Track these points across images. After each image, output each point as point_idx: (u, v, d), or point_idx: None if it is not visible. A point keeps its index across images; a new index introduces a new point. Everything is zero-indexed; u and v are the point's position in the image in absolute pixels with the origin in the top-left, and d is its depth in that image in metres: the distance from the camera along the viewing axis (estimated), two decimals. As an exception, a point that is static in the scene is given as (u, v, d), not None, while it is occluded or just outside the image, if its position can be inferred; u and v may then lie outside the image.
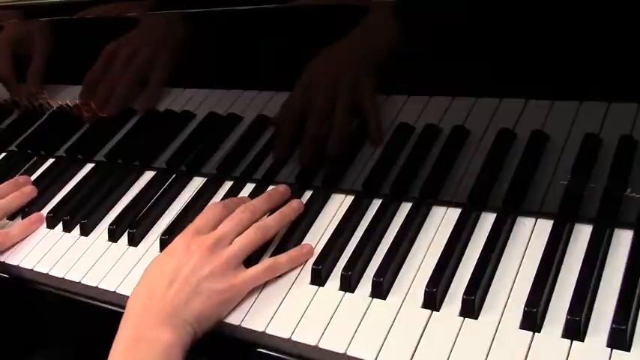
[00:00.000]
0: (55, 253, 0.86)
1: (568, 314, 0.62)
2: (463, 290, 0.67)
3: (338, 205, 0.83)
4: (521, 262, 0.70)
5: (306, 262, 0.75)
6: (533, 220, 0.74)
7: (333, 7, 0.74)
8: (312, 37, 0.77)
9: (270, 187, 0.86)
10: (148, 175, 0.97)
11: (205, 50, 0.86)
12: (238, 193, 0.89)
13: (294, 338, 0.67)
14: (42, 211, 0.94)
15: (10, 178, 0.99)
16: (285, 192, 0.84)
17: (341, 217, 0.80)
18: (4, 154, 1.11)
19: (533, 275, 0.67)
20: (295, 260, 0.75)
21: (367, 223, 0.78)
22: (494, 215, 0.75)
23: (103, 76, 0.93)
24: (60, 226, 0.91)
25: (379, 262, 0.72)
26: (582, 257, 0.68)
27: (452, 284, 0.69)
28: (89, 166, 1.03)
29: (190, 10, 0.83)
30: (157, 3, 0.85)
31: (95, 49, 0.92)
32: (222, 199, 0.88)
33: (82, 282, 0.81)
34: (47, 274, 0.84)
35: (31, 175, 1.04)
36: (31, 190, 0.97)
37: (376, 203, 0.81)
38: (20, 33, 0.97)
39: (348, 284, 0.71)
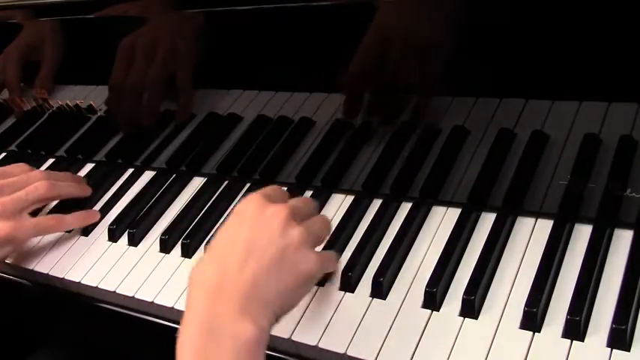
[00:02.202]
0: (55, 253, 0.86)
1: (568, 314, 0.62)
2: (463, 290, 0.67)
3: (338, 205, 0.83)
4: (521, 262, 0.70)
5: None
6: (533, 220, 0.74)
7: (333, 7, 0.74)
8: (312, 37, 0.77)
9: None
10: (148, 175, 0.97)
11: (205, 50, 0.86)
12: (238, 193, 0.89)
13: (294, 338, 0.67)
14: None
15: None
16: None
17: (341, 217, 0.80)
18: (4, 154, 1.12)
19: (533, 275, 0.67)
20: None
21: (367, 223, 0.78)
22: (494, 215, 0.75)
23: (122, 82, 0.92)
24: (60, 226, 0.91)
25: (379, 262, 0.72)
26: (582, 257, 0.68)
27: (452, 284, 0.69)
28: (89, 166, 1.03)
29: (190, 11, 0.83)
30: (157, 3, 0.85)
31: (95, 49, 0.92)
32: (220, 197, 0.88)
33: (82, 282, 0.81)
34: (47, 274, 0.84)
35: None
36: (87, 188, 0.94)
37: (376, 203, 0.81)
38: (27, 35, 0.97)
39: (348, 284, 0.71)
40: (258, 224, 0.60)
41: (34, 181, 0.87)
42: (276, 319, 0.58)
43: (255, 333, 0.55)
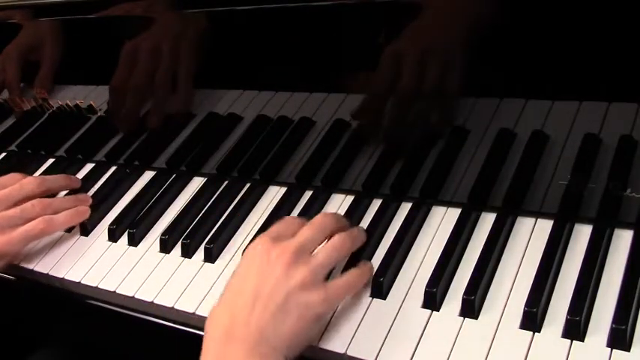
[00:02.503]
0: (55, 254, 0.86)
1: (568, 314, 0.62)
2: (463, 290, 0.67)
3: (338, 205, 0.83)
4: (521, 262, 0.70)
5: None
6: (533, 220, 0.74)
7: (333, 7, 0.74)
8: (312, 37, 0.77)
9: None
10: (148, 175, 0.97)
11: (205, 50, 0.86)
12: (238, 193, 0.89)
13: (294, 338, 0.67)
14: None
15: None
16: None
17: (341, 217, 0.81)
18: (4, 154, 1.12)
19: (533, 275, 0.67)
20: (370, 270, 0.70)
21: (367, 223, 0.78)
22: (494, 215, 0.75)
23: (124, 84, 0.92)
24: (60, 226, 0.91)
25: (379, 262, 0.72)
26: (582, 257, 0.68)
27: (452, 284, 0.69)
28: (89, 166, 1.03)
29: (190, 11, 0.83)
30: (158, 3, 0.85)
31: (95, 49, 0.92)
32: (220, 197, 0.88)
33: (82, 282, 0.81)
34: (47, 274, 0.84)
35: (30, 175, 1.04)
36: (86, 198, 0.93)
37: (376, 203, 0.81)
38: (27, 35, 0.97)
39: (348, 284, 0.71)
40: (263, 269, 0.62)
41: (27, 190, 0.87)
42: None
43: None
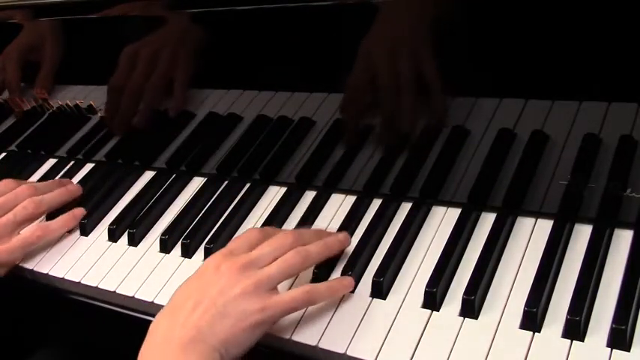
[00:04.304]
0: (55, 254, 0.86)
1: (568, 314, 0.62)
2: (463, 290, 0.67)
3: (338, 205, 0.83)
4: (521, 262, 0.70)
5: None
6: (533, 220, 0.74)
7: (333, 7, 0.74)
8: (312, 37, 0.77)
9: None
10: (148, 175, 0.97)
11: (205, 50, 0.86)
12: (238, 193, 0.89)
13: (294, 338, 0.67)
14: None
15: (10, 178, 0.99)
16: (345, 241, 0.74)
17: (341, 217, 0.80)
18: (4, 154, 1.12)
19: (533, 275, 0.67)
20: (334, 291, 0.69)
21: (367, 223, 0.78)
22: (494, 215, 0.75)
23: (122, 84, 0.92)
24: (60, 225, 0.91)
25: (379, 262, 0.72)
26: (582, 257, 0.68)
27: (452, 284, 0.69)
28: (89, 166, 1.03)
29: (189, 11, 0.83)
30: (157, 3, 0.85)
31: (95, 49, 0.92)
32: (220, 197, 0.88)
33: (82, 282, 0.81)
34: (47, 274, 0.84)
35: (31, 176, 1.04)
36: (77, 188, 0.94)
37: (376, 203, 0.81)
38: (27, 35, 0.97)
39: (348, 284, 0.71)
40: (210, 279, 0.65)
41: (21, 199, 0.87)
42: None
43: None
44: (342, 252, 0.75)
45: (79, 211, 0.90)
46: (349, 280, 0.70)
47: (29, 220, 0.87)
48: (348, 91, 0.77)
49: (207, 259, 0.69)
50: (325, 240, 0.72)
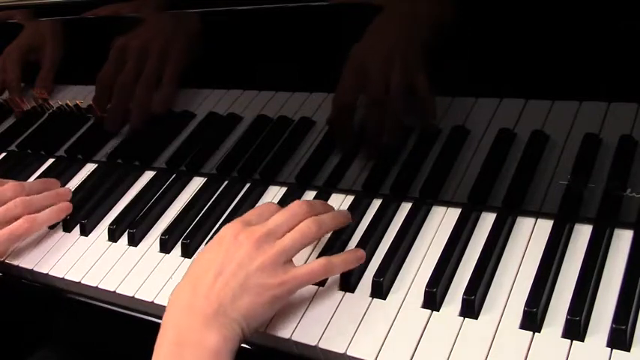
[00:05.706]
0: (55, 253, 0.86)
1: (568, 314, 0.62)
2: (463, 290, 0.67)
3: (338, 205, 0.83)
4: (521, 262, 0.70)
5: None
6: (533, 220, 0.74)
7: (333, 7, 0.74)
8: (311, 37, 0.77)
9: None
10: (148, 175, 0.97)
11: (205, 50, 0.86)
12: (238, 193, 0.89)
13: (294, 338, 0.67)
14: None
15: (10, 178, 0.99)
16: (348, 215, 0.77)
17: (341, 217, 0.80)
18: (4, 154, 1.12)
19: (533, 275, 0.67)
20: (349, 263, 0.70)
21: (367, 223, 0.78)
22: (494, 215, 0.75)
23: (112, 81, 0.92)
24: (60, 225, 0.91)
25: (379, 262, 0.72)
26: (582, 257, 0.68)
27: (452, 284, 0.69)
28: (89, 166, 1.03)
29: (189, 11, 0.83)
30: (158, 3, 0.85)
31: (95, 49, 0.92)
32: (220, 197, 0.88)
33: (82, 282, 0.81)
34: (47, 274, 0.84)
35: (30, 176, 1.04)
36: (66, 192, 0.94)
37: (376, 203, 0.81)
38: (27, 35, 0.97)
39: (348, 284, 0.71)
40: (229, 249, 0.66)
41: (9, 196, 0.88)
42: (244, 333, 0.64)
43: (220, 341, 0.61)
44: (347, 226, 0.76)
45: (66, 205, 0.91)
46: (362, 252, 0.72)
47: (16, 219, 0.87)
48: (348, 91, 0.77)
49: (224, 227, 0.70)
50: (334, 212, 0.75)
